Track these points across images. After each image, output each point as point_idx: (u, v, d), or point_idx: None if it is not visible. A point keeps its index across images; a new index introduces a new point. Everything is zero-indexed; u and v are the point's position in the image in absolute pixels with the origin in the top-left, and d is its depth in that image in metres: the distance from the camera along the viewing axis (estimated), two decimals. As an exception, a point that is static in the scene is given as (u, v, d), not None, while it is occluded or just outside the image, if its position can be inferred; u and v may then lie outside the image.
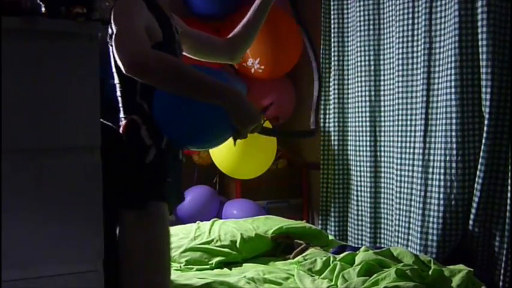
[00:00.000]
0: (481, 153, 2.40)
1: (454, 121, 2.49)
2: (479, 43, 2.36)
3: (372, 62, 3.03)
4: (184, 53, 1.89)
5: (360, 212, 3.15)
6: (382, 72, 2.99)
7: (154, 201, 1.59)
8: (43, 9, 1.34)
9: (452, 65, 2.47)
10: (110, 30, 1.58)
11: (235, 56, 2.04)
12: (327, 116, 3.36)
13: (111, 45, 1.55)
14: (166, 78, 1.44)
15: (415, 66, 2.73)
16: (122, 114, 1.66)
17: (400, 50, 2.78)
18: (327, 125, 3.36)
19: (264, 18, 1.99)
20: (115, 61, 1.59)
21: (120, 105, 1.68)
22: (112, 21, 1.51)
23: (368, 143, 3.07)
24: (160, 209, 1.62)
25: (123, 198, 1.56)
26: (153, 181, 1.59)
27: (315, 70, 2.09)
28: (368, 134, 3.07)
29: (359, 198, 3.15)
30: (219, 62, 2.08)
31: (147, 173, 1.58)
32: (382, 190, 3.02)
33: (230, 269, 2.56)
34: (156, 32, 1.59)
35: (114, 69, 1.66)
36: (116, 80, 1.68)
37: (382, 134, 3.00)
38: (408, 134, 2.78)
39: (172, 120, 1.55)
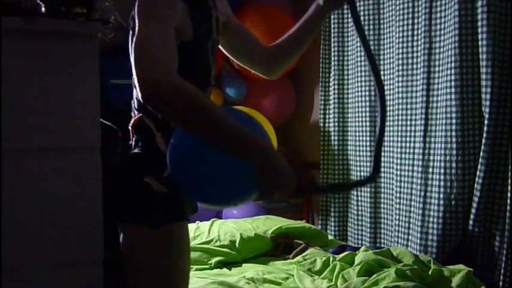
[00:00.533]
0: (481, 153, 2.40)
1: (454, 121, 2.49)
2: (479, 43, 2.36)
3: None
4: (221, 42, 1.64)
5: (359, 212, 3.15)
6: (382, 72, 2.99)
7: (175, 222, 1.41)
8: (43, 9, 1.34)
9: (452, 65, 2.47)
10: (131, 23, 1.38)
11: (271, 72, 1.73)
12: (327, 116, 3.36)
13: (131, 45, 1.36)
14: (183, 118, 1.18)
15: (415, 66, 2.73)
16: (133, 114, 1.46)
17: (400, 50, 2.78)
18: (327, 125, 3.36)
19: (311, 37, 1.70)
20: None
21: (135, 106, 1.46)
22: (135, 13, 1.30)
23: (368, 143, 3.07)
24: (180, 230, 1.44)
25: (133, 213, 1.40)
26: (174, 199, 1.38)
27: (379, 103, 1.65)
28: (368, 134, 3.07)
29: (359, 198, 3.15)
30: (251, 70, 1.74)
31: (167, 188, 1.37)
32: (382, 190, 3.02)
33: (229, 269, 2.56)
34: (186, 30, 1.36)
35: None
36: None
37: (382, 134, 3.00)
38: (408, 134, 2.78)
39: (185, 168, 1.27)
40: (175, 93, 1.15)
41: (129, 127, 1.47)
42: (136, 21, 1.28)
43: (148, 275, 1.40)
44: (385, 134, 2.98)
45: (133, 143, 1.46)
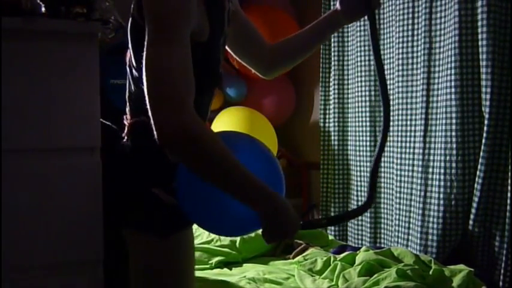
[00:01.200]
0: (481, 153, 2.40)
1: (454, 121, 2.49)
2: (479, 43, 2.36)
3: (372, 62, 3.03)
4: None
5: (359, 212, 3.15)
6: (382, 72, 2.99)
7: (182, 230, 1.38)
8: (43, 9, 1.34)
9: (452, 65, 2.47)
10: (135, 14, 1.27)
11: (268, 71, 1.67)
12: (327, 116, 3.36)
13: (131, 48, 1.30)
14: (196, 166, 1.17)
15: (415, 66, 2.73)
16: (128, 117, 1.40)
17: (400, 50, 2.78)
18: (327, 125, 3.36)
19: (319, 42, 1.65)
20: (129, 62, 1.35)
21: (128, 109, 1.41)
22: (146, 13, 1.19)
23: (368, 143, 3.07)
24: (187, 236, 1.41)
25: (142, 222, 1.36)
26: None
27: (384, 124, 1.60)
28: (368, 134, 3.07)
29: (359, 198, 3.15)
30: (249, 66, 1.68)
31: (176, 199, 1.34)
32: (382, 190, 3.02)
33: (230, 269, 2.56)
34: (202, 32, 1.29)
35: (128, 70, 1.39)
36: (130, 82, 1.39)
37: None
38: (408, 134, 2.78)
39: (195, 200, 1.29)
40: (193, 142, 1.13)
41: (126, 126, 1.40)
42: (148, 28, 1.18)
43: (159, 282, 1.37)
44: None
45: (130, 144, 1.38)
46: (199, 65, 1.26)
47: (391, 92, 2.90)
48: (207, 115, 1.49)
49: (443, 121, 2.54)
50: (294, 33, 1.68)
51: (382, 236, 3.02)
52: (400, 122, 2.81)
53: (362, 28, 3.05)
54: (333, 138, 3.31)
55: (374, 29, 1.57)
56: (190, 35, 1.20)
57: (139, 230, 1.36)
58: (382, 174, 3.02)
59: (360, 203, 3.15)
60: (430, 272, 2.18)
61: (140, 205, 1.36)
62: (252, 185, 1.20)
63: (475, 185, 2.44)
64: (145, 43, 1.16)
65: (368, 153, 3.08)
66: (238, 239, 2.71)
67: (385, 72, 2.87)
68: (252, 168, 1.20)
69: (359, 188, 3.16)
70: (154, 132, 1.13)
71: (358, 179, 3.16)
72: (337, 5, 1.57)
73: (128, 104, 1.41)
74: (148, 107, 1.13)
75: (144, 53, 1.16)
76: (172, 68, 1.14)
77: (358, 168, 3.16)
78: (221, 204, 1.26)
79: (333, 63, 3.30)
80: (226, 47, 1.59)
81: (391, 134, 2.92)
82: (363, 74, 3.08)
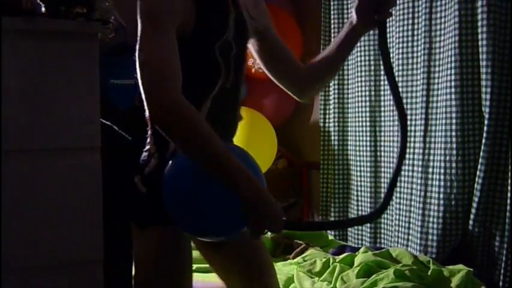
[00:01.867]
0: (481, 153, 2.40)
1: (454, 121, 2.49)
2: (479, 43, 2.36)
3: (371, 62, 3.03)
4: (254, 52, 1.62)
5: (360, 212, 3.15)
6: (382, 72, 2.99)
7: (161, 226, 1.40)
8: (43, 9, 1.34)
9: (452, 65, 2.47)
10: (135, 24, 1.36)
11: (304, 94, 1.67)
12: (327, 116, 3.36)
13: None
14: (184, 145, 1.26)
15: (415, 66, 2.73)
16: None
17: (400, 50, 2.78)
18: (327, 125, 3.36)
19: (346, 57, 1.68)
20: None
21: None
22: (138, 17, 1.32)
23: (368, 143, 3.07)
24: (171, 236, 1.42)
25: (129, 213, 1.45)
26: (154, 200, 1.37)
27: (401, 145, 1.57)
28: (368, 134, 3.07)
29: (359, 198, 3.15)
30: (283, 87, 1.68)
31: (146, 189, 1.41)
32: (382, 190, 3.02)
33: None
34: (186, 24, 1.36)
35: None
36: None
37: (382, 134, 3.00)
38: (408, 134, 2.78)
39: (176, 198, 1.33)
40: (182, 122, 1.23)
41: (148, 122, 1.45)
42: (139, 23, 1.30)
43: (144, 272, 1.44)
44: (386, 134, 2.97)
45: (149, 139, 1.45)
46: (183, 62, 1.31)
47: (391, 92, 2.90)
48: (229, 115, 1.50)
49: (443, 121, 2.54)
50: (278, 29, 1.70)
51: (382, 236, 3.02)
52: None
53: (362, 28, 3.05)
54: (333, 138, 3.31)
55: (383, 40, 1.56)
56: (176, 29, 1.31)
57: (129, 219, 1.44)
58: (382, 174, 3.02)
59: (359, 203, 3.15)
60: (429, 273, 2.19)
61: (126, 194, 1.44)
62: (238, 169, 1.24)
63: (475, 185, 2.44)
64: (138, 37, 1.29)
65: (368, 153, 3.07)
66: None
67: (385, 82, 2.89)
68: None
69: (359, 188, 3.16)
70: (147, 112, 1.24)
71: (358, 179, 3.16)
72: (353, 15, 1.56)
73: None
74: (142, 89, 1.25)
75: (137, 45, 1.29)
76: (161, 55, 1.26)
77: (358, 168, 3.15)
78: (204, 200, 1.29)
79: (333, 63, 3.30)
80: (262, 67, 1.65)
81: (391, 133, 2.92)
82: (363, 74, 3.07)
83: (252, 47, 1.61)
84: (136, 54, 1.28)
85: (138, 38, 1.30)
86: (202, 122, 1.26)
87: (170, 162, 1.35)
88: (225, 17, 1.44)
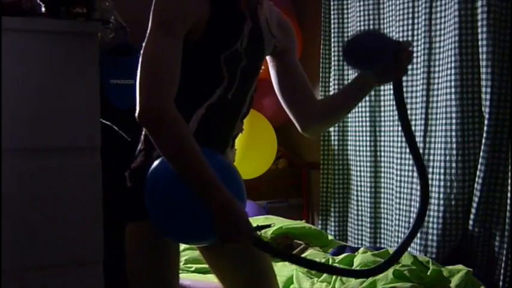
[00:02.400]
0: (481, 153, 2.40)
1: (454, 121, 2.49)
2: (479, 43, 2.36)
3: (371, 62, 3.02)
4: (271, 70, 1.62)
5: (360, 212, 3.15)
6: (382, 72, 2.99)
7: (136, 221, 1.42)
8: (43, 9, 1.34)
9: (452, 65, 2.47)
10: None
11: (308, 127, 1.64)
12: (327, 116, 3.36)
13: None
14: (165, 151, 1.28)
15: (415, 66, 2.73)
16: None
17: (400, 50, 2.78)
18: (326, 125, 3.36)
19: (358, 102, 1.66)
20: None
21: None
22: (151, 14, 1.33)
23: (368, 143, 3.07)
24: (145, 231, 1.42)
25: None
26: (138, 195, 1.39)
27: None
28: (368, 134, 3.07)
29: (359, 198, 3.15)
30: (291, 117, 1.66)
31: (131, 183, 1.43)
32: (382, 190, 3.02)
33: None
34: (196, 29, 1.35)
35: None
36: None
37: (382, 134, 3.00)
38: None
39: (154, 199, 1.35)
40: (166, 131, 1.26)
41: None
42: (150, 20, 1.32)
43: (129, 269, 1.45)
44: (386, 134, 2.97)
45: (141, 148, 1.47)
46: (185, 66, 1.33)
47: (391, 92, 2.90)
48: (226, 126, 1.49)
49: (443, 121, 2.54)
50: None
51: (382, 236, 3.02)
52: (400, 122, 2.81)
53: (362, 28, 3.04)
54: (333, 138, 3.31)
55: (400, 99, 1.51)
56: (186, 32, 1.33)
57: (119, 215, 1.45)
58: (382, 174, 3.02)
59: (359, 203, 3.15)
60: (428, 273, 2.18)
61: (119, 191, 1.44)
62: (212, 184, 1.28)
63: (475, 185, 2.44)
64: (147, 34, 1.32)
65: (368, 153, 3.07)
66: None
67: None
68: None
69: (359, 188, 3.16)
70: (137, 111, 1.26)
71: (358, 179, 3.16)
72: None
73: None
74: (138, 87, 1.27)
75: (144, 42, 1.31)
76: (163, 61, 1.29)
77: (358, 168, 3.15)
78: (178, 206, 1.32)
79: (333, 63, 3.30)
80: (276, 90, 1.64)
81: (391, 133, 2.92)
82: (363, 74, 3.07)
83: (269, 64, 1.60)
84: (141, 52, 1.30)
85: (147, 35, 1.32)
86: (186, 135, 1.28)
87: (155, 161, 1.36)
88: (239, 27, 1.42)
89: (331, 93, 3.31)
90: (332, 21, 3.28)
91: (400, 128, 2.81)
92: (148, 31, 1.32)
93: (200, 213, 1.29)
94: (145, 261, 1.43)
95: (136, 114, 1.27)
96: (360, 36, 1.57)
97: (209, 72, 1.41)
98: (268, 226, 1.40)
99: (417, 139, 2.71)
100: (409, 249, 2.66)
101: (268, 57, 1.58)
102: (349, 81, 1.61)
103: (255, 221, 2.98)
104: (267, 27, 1.49)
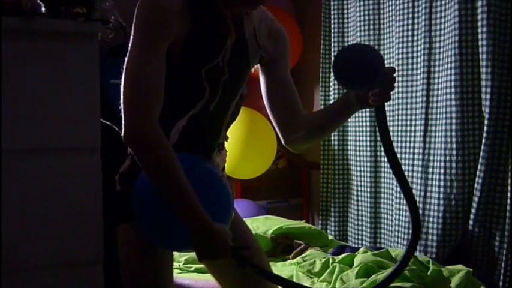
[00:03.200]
0: (481, 153, 2.40)
1: (454, 121, 2.49)
2: (479, 43, 2.36)
3: (371, 62, 3.02)
4: (261, 79, 1.60)
5: (360, 212, 3.15)
6: (382, 72, 2.99)
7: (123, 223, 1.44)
8: (43, 9, 1.34)
9: (452, 65, 2.47)
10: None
11: (290, 140, 1.60)
12: (327, 116, 3.36)
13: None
14: (147, 169, 1.30)
15: (415, 66, 2.73)
16: None
17: (400, 50, 2.78)
18: (326, 125, 3.36)
19: (341, 124, 1.66)
20: None
21: None
22: (132, 27, 1.33)
23: (368, 143, 3.07)
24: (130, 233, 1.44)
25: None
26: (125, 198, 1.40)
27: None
28: (368, 134, 3.07)
29: (359, 198, 3.15)
30: (273, 123, 1.63)
31: (120, 187, 1.44)
32: (382, 190, 3.02)
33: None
34: (175, 44, 1.35)
35: None
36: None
37: (382, 134, 3.00)
38: (408, 134, 2.78)
39: (140, 195, 1.37)
40: (149, 152, 1.27)
41: None
42: (132, 34, 1.32)
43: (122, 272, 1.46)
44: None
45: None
46: (174, 77, 1.34)
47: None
48: (209, 136, 1.48)
49: (443, 121, 2.54)
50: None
51: (382, 236, 3.02)
52: (400, 122, 2.81)
53: (362, 28, 3.05)
54: (333, 138, 3.31)
55: (382, 124, 1.45)
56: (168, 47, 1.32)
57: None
58: (382, 174, 3.02)
59: (359, 203, 3.15)
60: (428, 273, 2.18)
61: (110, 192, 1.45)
62: (192, 211, 1.29)
63: (475, 185, 2.44)
64: (129, 49, 1.31)
65: (368, 153, 3.07)
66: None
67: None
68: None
69: (359, 188, 3.16)
70: (122, 130, 1.27)
71: (358, 179, 3.16)
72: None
73: None
74: (122, 106, 1.27)
75: (126, 57, 1.30)
76: (147, 78, 1.28)
77: (358, 168, 3.15)
78: (159, 217, 1.34)
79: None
80: (263, 99, 1.61)
81: (391, 133, 2.91)
82: (363, 74, 3.07)
83: (259, 71, 1.58)
84: (124, 67, 1.29)
85: (129, 49, 1.31)
86: (169, 156, 1.29)
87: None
88: (220, 41, 1.40)
89: (331, 93, 3.31)
90: (332, 21, 3.28)
91: (400, 128, 2.81)
92: (130, 44, 1.31)
93: (180, 227, 1.32)
94: (135, 261, 1.45)
95: (122, 135, 1.27)
96: (352, 50, 1.50)
97: (190, 85, 1.41)
98: (246, 247, 1.42)
99: (417, 139, 2.71)
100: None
101: (258, 65, 1.56)
102: (333, 101, 1.57)
103: (255, 221, 2.99)
104: (253, 37, 1.46)
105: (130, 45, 1.31)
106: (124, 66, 1.30)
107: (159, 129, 1.28)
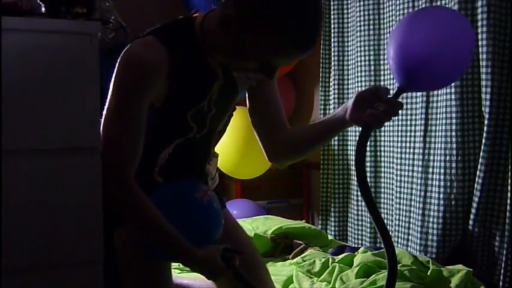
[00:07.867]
0: (481, 153, 2.40)
1: (454, 121, 2.49)
2: (479, 43, 2.36)
3: (371, 62, 3.03)
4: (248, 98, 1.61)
5: (360, 212, 3.15)
6: (382, 72, 2.99)
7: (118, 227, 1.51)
8: (43, 9, 1.34)
9: (452, 65, 2.47)
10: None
11: (276, 157, 1.62)
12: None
13: None
14: (128, 220, 1.43)
15: (415, 66, 2.72)
16: None
17: (400, 50, 2.78)
18: (326, 125, 3.36)
19: (329, 140, 1.70)
20: None
21: None
22: (111, 86, 1.39)
23: (368, 143, 3.06)
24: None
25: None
26: None
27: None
28: (368, 134, 3.06)
29: (359, 198, 3.15)
30: (258, 140, 1.63)
31: None
32: (382, 190, 3.02)
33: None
34: (158, 97, 1.39)
35: None
36: None
37: (382, 134, 3.00)
38: (408, 134, 2.78)
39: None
40: (130, 209, 1.37)
41: None
42: (110, 92, 1.37)
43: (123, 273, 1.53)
44: (386, 134, 2.97)
45: None
46: (159, 119, 1.40)
47: (391, 92, 2.90)
48: (196, 160, 1.53)
49: (443, 121, 2.54)
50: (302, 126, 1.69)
51: (382, 236, 3.02)
52: (400, 122, 2.81)
53: (362, 28, 3.05)
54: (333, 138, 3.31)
55: (362, 145, 1.46)
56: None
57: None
58: (382, 174, 3.02)
59: (360, 203, 3.15)
60: (428, 273, 2.18)
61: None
62: (173, 244, 1.39)
63: (475, 185, 2.44)
64: (106, 106, 1.37)
65: (368, 153, 3.07)
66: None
67: (385, 82, 2.87)
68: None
69: (359, 188, 3.15)
70: (105, 183, 1.33)
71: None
72: (349, 104, 1.49)
73: None
74: (101, 158, 1.33)
75: (103, 117, 1.36)
76: (126, 139, 1.34)
77: (358, 168, 3.15)
78: None
79: (333, 63, 3.30)
80: (249, 112, 1.62)
81: (391, 133, 2.92)
82: (363, 74, 3.07)
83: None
84: (101, 126, 1.34)
85: (106, 107, 1.36)
86: (145, 209, 1.37)
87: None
88: (207, 87, 1.43)
89: (331, 93, 3.31)
90: (332, 21, 3.28)
91: (400, 128, 2.81)
92: (108, 102, 1.36)
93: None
94: (134, 262, 1.50)
95: (105, 186, 1.32)
96: None
97: (176, 126, 1.45)
98: (240, 252, 1.49)
99: (417, 139, 2.71)
100: (409, 249, 2.67)
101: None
102: (326, 116, 1.60)
103: (255, 221, 2.99)
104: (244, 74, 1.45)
105: (107, 103, 1.36)
106: (103, 120, 1.35)
107: (133, 187, 1.35)
